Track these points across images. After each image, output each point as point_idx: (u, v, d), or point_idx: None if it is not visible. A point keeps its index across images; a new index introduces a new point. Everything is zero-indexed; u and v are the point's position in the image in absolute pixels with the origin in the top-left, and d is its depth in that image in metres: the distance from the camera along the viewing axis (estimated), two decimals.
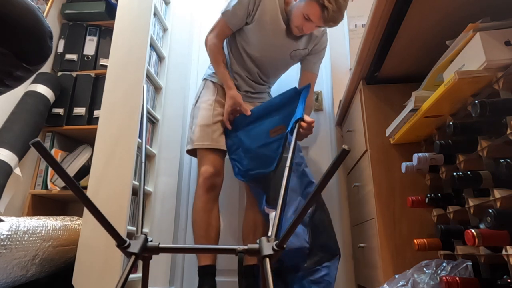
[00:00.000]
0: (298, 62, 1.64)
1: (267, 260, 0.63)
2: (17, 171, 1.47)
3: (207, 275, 1.38)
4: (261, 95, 1.64)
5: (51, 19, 1.94)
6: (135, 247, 0.68)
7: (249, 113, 1.47)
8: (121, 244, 0.67)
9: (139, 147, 1.64)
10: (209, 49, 1.56)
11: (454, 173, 0.78)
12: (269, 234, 1.25)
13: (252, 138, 1.45)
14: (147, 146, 1.74)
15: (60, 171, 0.56)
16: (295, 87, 1.52)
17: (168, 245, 0.76)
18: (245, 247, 0.69)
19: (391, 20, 0.97)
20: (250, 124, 1.48)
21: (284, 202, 0.86)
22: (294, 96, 1.47)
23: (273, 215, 1.29)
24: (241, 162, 1.45)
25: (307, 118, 1.36)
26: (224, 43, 1.61)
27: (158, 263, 1.71)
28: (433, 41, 1.03)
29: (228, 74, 1.54)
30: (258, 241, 0.69)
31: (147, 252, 0.71)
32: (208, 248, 0.83)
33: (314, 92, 2.00)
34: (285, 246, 0.66)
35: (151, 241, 0.73)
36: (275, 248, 0.65)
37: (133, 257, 0.67)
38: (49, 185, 1.68)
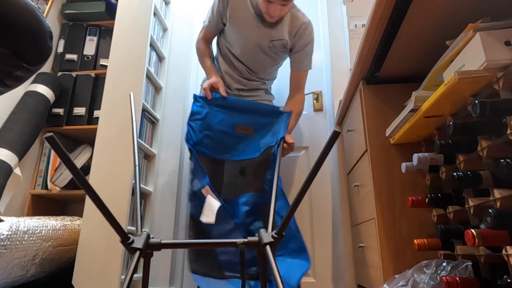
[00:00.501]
0: (284, 54, 1.58)
1: (268, 247, 0.65)
2: (17, 171, 1.47)
3: None
4: (255, 93, 1.62)
5: (51, 19, 1.94)
6: (138, 243, 0.69)
7: (225, 95, 1.46)
8: (125, 240, 0.68)
9: (140, 147, 1.64)
10: (197, 51, 1.63)
11: (454, 173, 0.78)
12: (205, 218, 1.23)
13: (217, 120, 1.45)
14: (147, 146, 1.74)
15: (72, 167, 0.57)
16: (278, 108, 1.55)
17: (170, 241, 0.77)
18: (245, 239, 0.71)
19: (391, 20, 0.97)
20: (221, 107, 1.47)
21: (275, 201, 0.87)
22: (274, 114, 1.50)
23: (210, 200, 1.25)
24: (196, 132, 1.42)
25: (288, 139, 1.41)
26: (215, 46, 1.65)
27: (158, 263, 1.71)
28: (433, 41, 1.03)
29: (214, 67, 1.57)
30: (256, 233, 0.71)
31: (150, 248, 0.72)
32: (210, 243, 0.84)
33: (314, 92, 2.00)
34: (284, 233, 0.67)
35: (153, 237, 0.74)
36: (275, 235, 0.66)
37: (137, 253, 0.68)
38: (49, 185, 1.68)
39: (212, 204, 1.25)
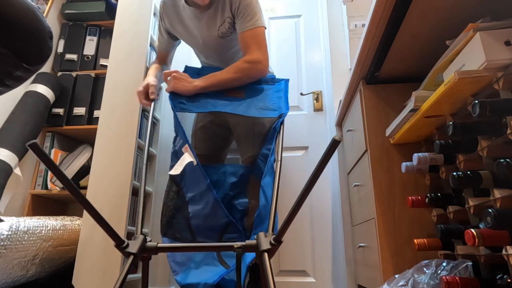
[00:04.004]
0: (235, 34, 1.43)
1: (266, 254, 0.64)
2: (17, 171, 1.47)
3: None
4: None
5: (51, 19, 1.94)
6: (133, 247, 0.69)
7: (154, 97, 1.37)
8: (120, 244, 0.67)
9: (139, 147, 1.64)
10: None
11: (454, 173, 0.78)
12: (173, 171, 1.18)
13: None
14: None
15: (57, 172, 0.56)
16: (273, 76, 1.42)
17: (166, 245, 0.77)
18: (243, 243, 0.70)
19: (391, 20, 0.97)
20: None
21: (277, 199, 0.85)
22: (266, 80, 1.37)
23: (185, 155, 1.18)
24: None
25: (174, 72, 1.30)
26: None
27: (158, 263, 1.71)
28: (433, 41, 1.03)
29: (152, 70, 1.50)
30: (255, 236, 0.70)
31: (146, 252, 0.71)
32: (206, 246, 0.84)
33: (314, 92, 2.00)
34: (282, 240, 0.66)
35: (150, 241, 0.73)
36: (273, 242, 0.66)
37: (131, 257, 0.67)
38: (49, 185, 1.68)
39: (184, 159, 1.19)
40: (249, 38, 1.34)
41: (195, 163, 1.16)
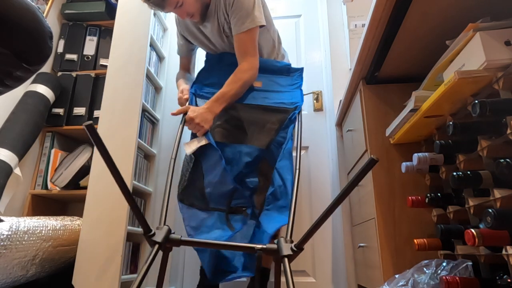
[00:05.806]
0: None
1: (286, 260, 0.65)
2: (17, 171, 1.47)
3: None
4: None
5: (51, 19, 1.94)
6: (159, 236, 0.70)
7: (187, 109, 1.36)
8: (147, 232, 0.70)
9: (140, 147, 1.64)
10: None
11: (454, 173, 0.78)
12: (188, 147, 1.29)
13: (223, 76, 1.39)
14: (147, 146, 1.74)
15: (108, 159, 0.59)
16: (289, 65, 1.49)
17: (189, 239, 0.79)
18: (264, 246, 0.71)
19: (391, 20, 0.97)
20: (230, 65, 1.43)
21: (295, 206, 0.87)
22: (283, 71, 1.44)
23: (201, 138, 1.27)
24: (200, 81, 1.47)
25: (191, 112, 1.28)
26: None
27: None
28: (433, 41, 1.03)
29: (182, 81, 1.54)
30: (276, 241, 0.71)
31: (170, 243, 0.73)
32: (228, 245, 0.86)
33: (314, 92, 2.00)
34: (303, 247, 0.67)
35: (174, 233, 0.75)
36: (294, 249, 0.66)
37: (156, 246, 0.69)
38: (49, 185, 1.68)
39: (199, 140, 1.28)
40: (244, 42, 1.37)
41: (206, 142, 1.27)
